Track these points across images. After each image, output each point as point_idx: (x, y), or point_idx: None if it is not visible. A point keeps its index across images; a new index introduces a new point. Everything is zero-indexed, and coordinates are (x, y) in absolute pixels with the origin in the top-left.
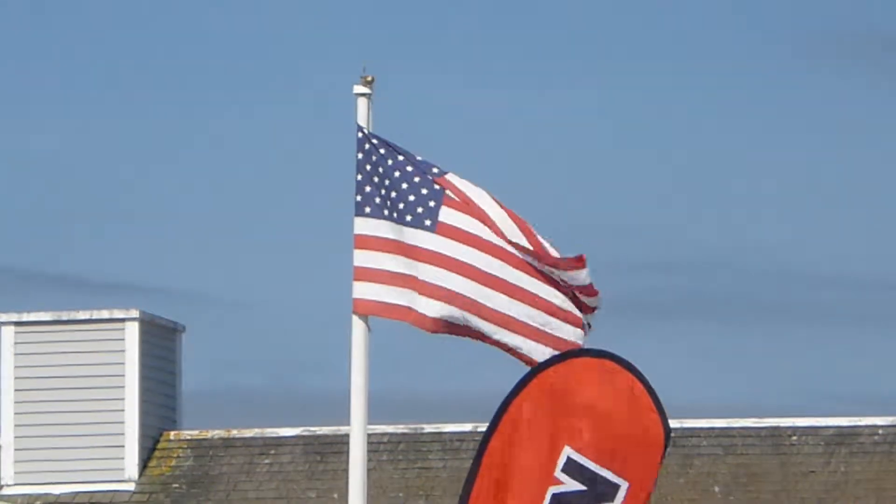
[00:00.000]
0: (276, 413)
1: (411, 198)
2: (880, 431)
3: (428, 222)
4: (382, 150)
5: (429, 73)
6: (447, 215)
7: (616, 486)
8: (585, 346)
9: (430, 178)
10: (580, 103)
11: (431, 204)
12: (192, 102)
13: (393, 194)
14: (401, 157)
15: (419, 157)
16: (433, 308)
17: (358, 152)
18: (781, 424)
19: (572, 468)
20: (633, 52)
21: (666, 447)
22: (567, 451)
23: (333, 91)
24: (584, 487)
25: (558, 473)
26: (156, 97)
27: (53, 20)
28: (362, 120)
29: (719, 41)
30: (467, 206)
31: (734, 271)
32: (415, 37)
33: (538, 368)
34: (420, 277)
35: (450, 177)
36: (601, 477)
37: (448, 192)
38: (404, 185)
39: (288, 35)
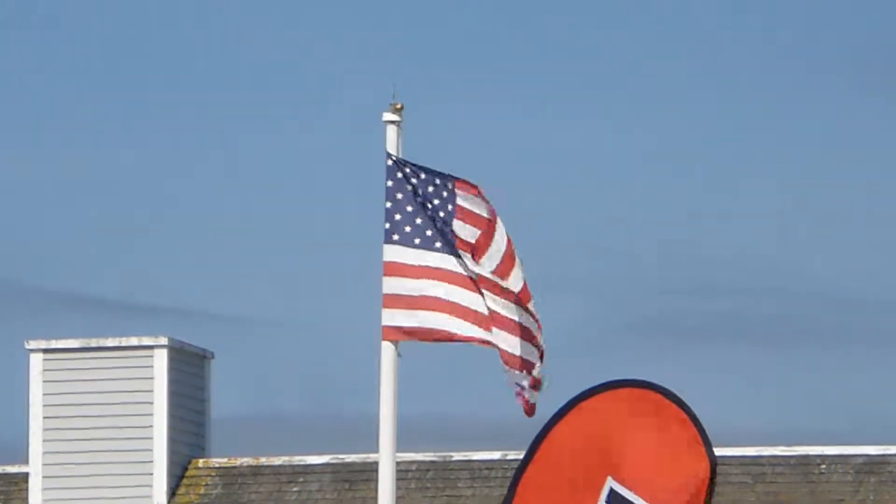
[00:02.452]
0: (307, 437)
1: (438, 224)
2: None
3: (439, 244)
4: (414, 180)
5: (460, 100)
6: (459, 228)
7: None
8: (629, 378)
9: (450, 186)
10: (611, 131)
11: (448, 223)
12: (223, 126)
13: (421, 221)
14: (428, 183)
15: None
16: (462, 327)
17: (388, 180)
18: (811, 453)
19: (616, 501)
20: (674, 79)
21: (713, 479)
22: (610, 483)
23: (369, 113)
24: None
25: None
26: (185, 122)
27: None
28: (392, 147)
29: (770, 63)
30: (475, 220)
31: (772, 295)
32: (446, 64)
33: (579, 398)
34: (447, 299)
35: (464, 187)
36: None
37: (459, 198)
38: (431, 212)
39: (319, 60)
